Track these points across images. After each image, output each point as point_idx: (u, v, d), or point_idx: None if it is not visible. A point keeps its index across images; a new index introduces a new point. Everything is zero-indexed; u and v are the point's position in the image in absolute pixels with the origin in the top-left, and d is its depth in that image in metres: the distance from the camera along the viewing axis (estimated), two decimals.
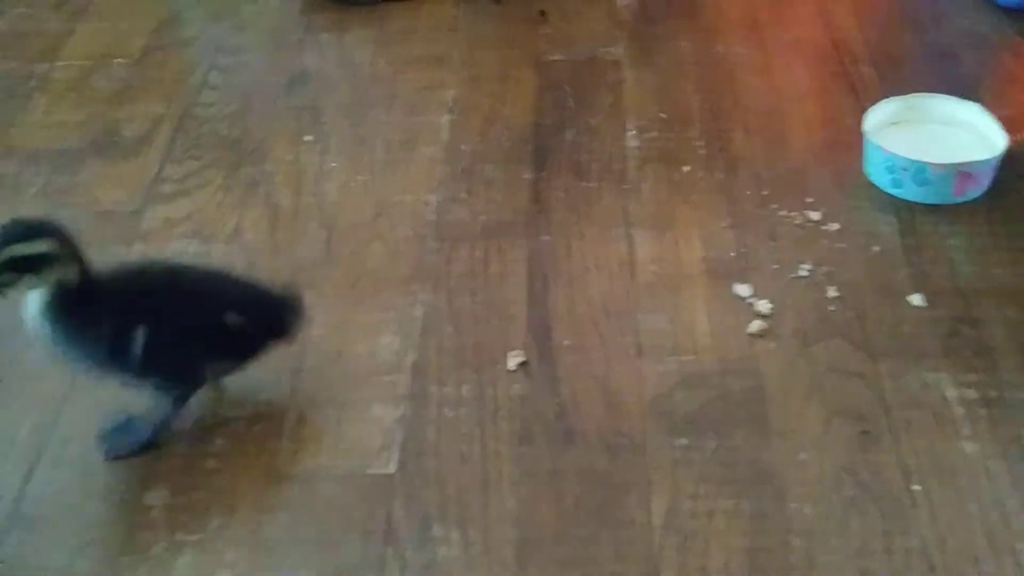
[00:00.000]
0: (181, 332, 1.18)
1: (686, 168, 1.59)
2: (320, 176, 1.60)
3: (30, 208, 1.56)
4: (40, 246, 1.10)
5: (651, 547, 1.12)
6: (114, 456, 1.22)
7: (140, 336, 1.15)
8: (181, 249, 1.48)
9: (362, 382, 1.30)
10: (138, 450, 1.22)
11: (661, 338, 1.34)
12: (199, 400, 1.26)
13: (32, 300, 1.13)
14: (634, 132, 1.66)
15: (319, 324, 1.36)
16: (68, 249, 1.13)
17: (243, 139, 1.68)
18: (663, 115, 1.69)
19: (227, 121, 1.72)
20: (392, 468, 1.21)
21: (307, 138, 1.67)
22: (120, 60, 1.86)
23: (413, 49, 1.86)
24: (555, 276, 1.43)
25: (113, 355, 1.16)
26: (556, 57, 1.82)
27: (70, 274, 1.13)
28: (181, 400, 1.23)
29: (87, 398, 1.28)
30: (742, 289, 1.39)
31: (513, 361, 1.31)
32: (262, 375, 1.30)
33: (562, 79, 1.77)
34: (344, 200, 1.56)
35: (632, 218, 1.51)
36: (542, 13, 1.92)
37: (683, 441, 1.22)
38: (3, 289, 1.10)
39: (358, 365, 1.32)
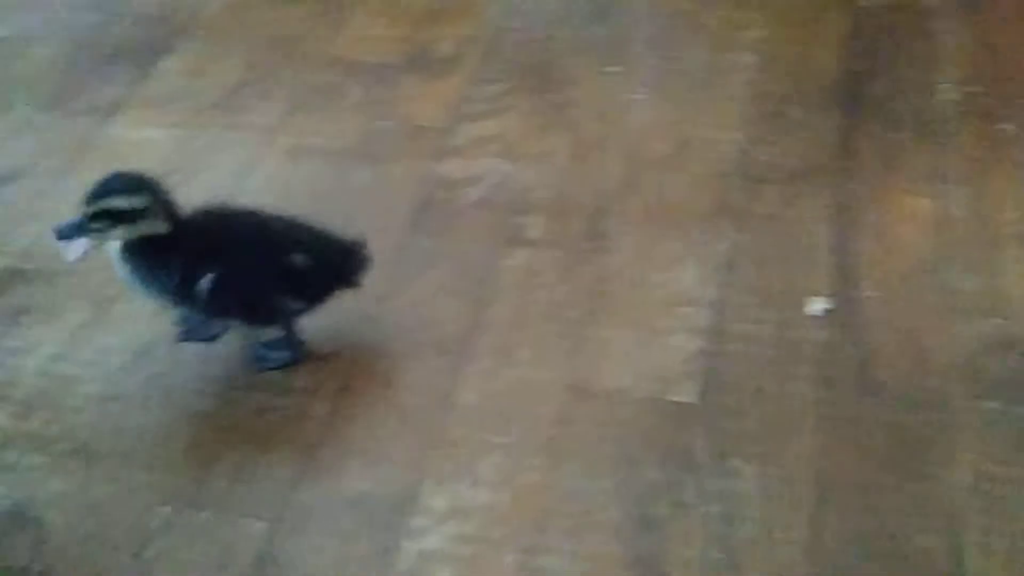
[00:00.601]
0: (247, 272, 1.23)
1: (1006, 126, 1.52)
2: (624, 106, 1.62)
3: (350, 117, 1.65)
4: (135, 200, 1.17)
5: (954, 506, 1.10)
6: (267, 368, 1.29)
7: (206, 281, 1.21)
8: (490, 168, 1.53)
9: (663, 311, 1.32)
10: (286, 365, 1.29)
11: (972, 299, 1.30)
12: (502, 313, 1.32)
13: (114, 243, 1.21)
14: (949, 85, 1.60)
15: (622, 250, 1.39)
16: (160, 205, 1.19)
17: (550, 65, 1.71)
18: (983, 69, 1.62)
19: (534, 46, 1.76)
20: (692, 397, 1.22)
21: (611, 68, 1.69)
22: None
23: None
24: (862, 226, 1.41)
25: (188, 295, 1.23)
26: (868, 2, 1.77)
27: (159, 227, 1.19)
28: (289, 328, 1.29)
29: (399, 293, 1.35)
30: None
31: (817, 306, 1.30)
32: (563, 293, 1.34)
33: (874, 26, 1.73)
34: (648, 131, 1.57)
35: (945, 174, 1.46)
36: None
37: (992, 405, 1.19)
38: (95, 235, 1.18)
39: (659, 294, 1.34)
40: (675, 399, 1.22)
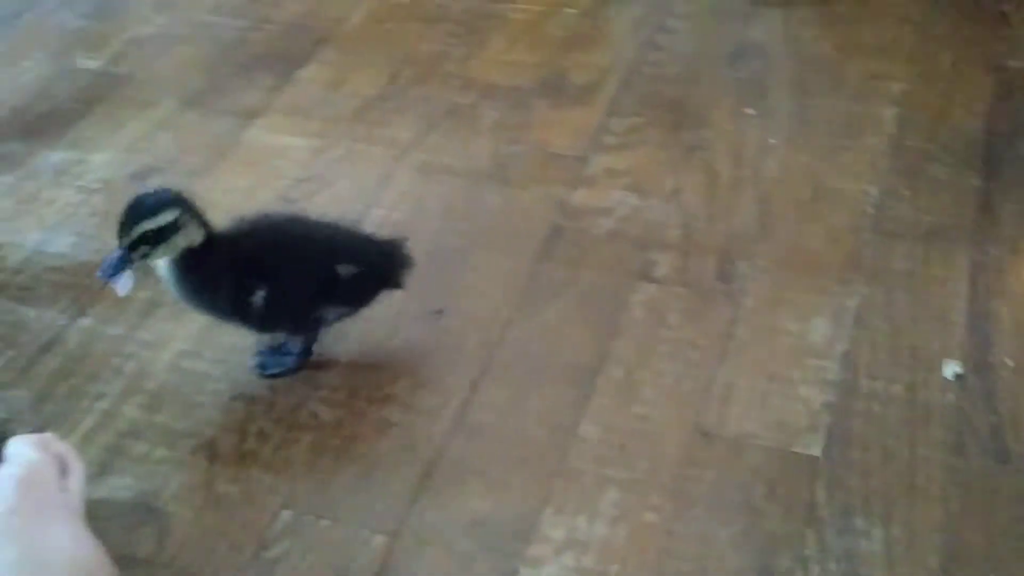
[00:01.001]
0: (297, 285, 1.25)
1: None
2: (760, 150, 1.61)
3: (483, 139, 1.66)
4: (166, 217, 1.18)
5: None
6: (267, 375, 1.32)
7: (259, 296, 1.23)
8: (620, 200, 1.53)
9: (792, 360, 1.31)
10: (286, 372, 1.32)
11: None
12: (628, 348, 1.32)
13: (161, 263, 1.22)
14: None
15: (751, 295, 1.38)
16: (190, 215, 1.20)
17: (685, 102, 1.71)
18: None
19: (670, 83, 1.76)
20: (817, 451, 1.21)
21: (749, 111, 1.69)
22: (571, 9, 1.94)
23: (861, 35, 1.83)
24: (1000, 290, 1.38)
25: (235, 311, 1.25)
26: (1016, 63, 1.74)
27: (195, 236, 1.20)
28: (314, 334, 1.32)
29: (525, 320, 1.36)
30: None
31: (949, 369, 1.28)
32: (690, 333, 1.34)
33: (1021, 88, 1.70)
34: (783, 177, 1.56)
35: None
36: (1003, 15, 1.84)
37: None
38: (141, 260, 1.19)
39: (788, 343, 1.33)
40: (801, 451, 1.21)
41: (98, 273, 1.18)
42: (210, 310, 1.27)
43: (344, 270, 1.27)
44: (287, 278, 1.25)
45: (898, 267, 1.41)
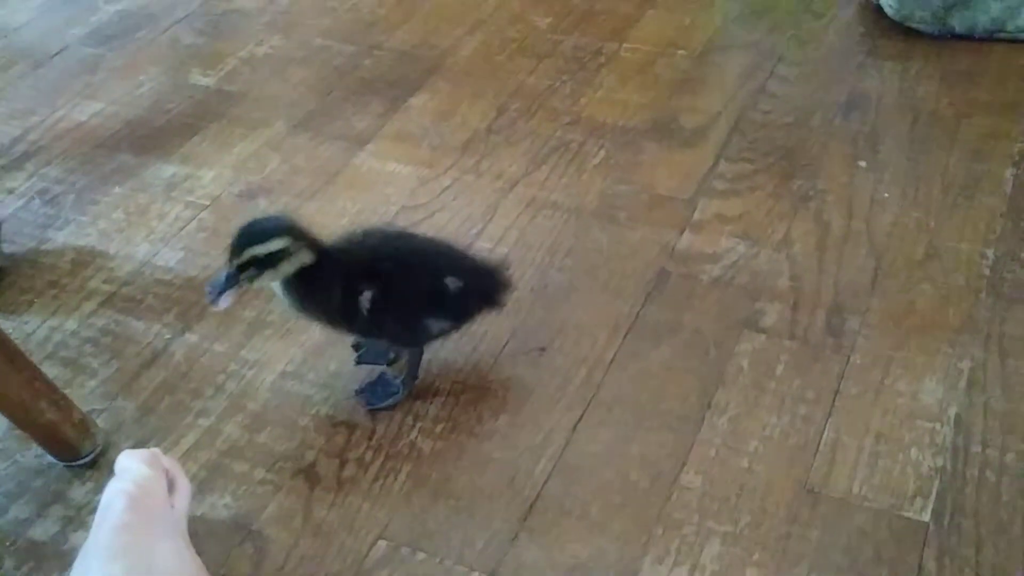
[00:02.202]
0: (404, 290, 1.26)
1: None
2: (873, 204, 1.58)
3: (591, 178, 1.65)
4: (275, 244, 1.18)
5: None
6: (373, 408, 1.33)
7: (366, 300, 1.24)
8: (729, 247, 1.52)
9: (901, 422, 1.28)
10: (393, 404, 1.33)
11: None
12: (733, 398, 1.30)
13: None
14: None
15: (861, 352, 1.36)
16: (301, 242, 1.21)
17: (797, 151, 1.69)
18: None
19: (783, 131, 1.73)
20: (926, 516, 1.18)
21: (861, 163, 1.66)
22: (682, 52, 1.93)
23: (980, 93, 1.79)
24: None
25: (344, 316, 1.26)
26: None
27: (305, 259, 1.21)
28: (417, 357, 1.34)
29: (628, 363, 1.35)
30: None
31: None
32: (797, 387, 1.31)
33: None
34: (896, 233, 1.53)
35: None
36: None
37: None
38: (247, 283, 1.19)
39: (898, 403, 1.30)
40: (909, 515, 1.17)
41: (207, 293, 1.19)
42: (319, 315, 1.28)
43: (451, 283, 1.28)
44: (395, 282, 1.26)
45: (1014, 332, 1.37)
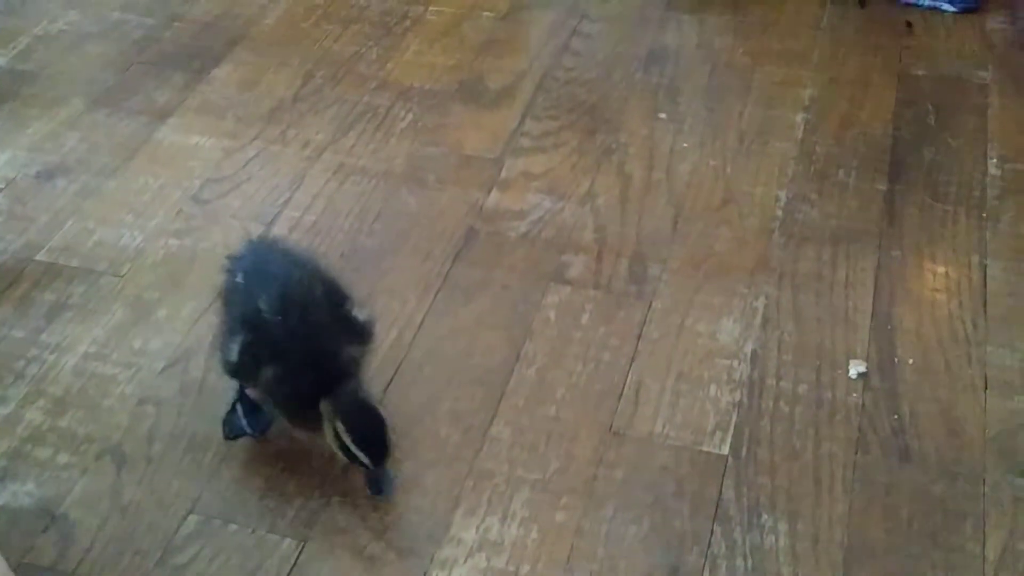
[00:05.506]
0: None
1: None
2: (672, 154, 1.63)
3: (399, 141, 1.66)
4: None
5: None
6: (228, 436, 1.25)
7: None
8: (535, 203, 1.54)
9: (700, 360, 1.33)
10: (235, 437, 1.25)
11: (1010, 374, 1.31)
12: (540, 350, 1.32)
13: None
14: (996, 160, 1.61)
15: (662, 297, 1.40)
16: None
17: (600, 106, 1.72)
18: None
19: (586, 87, 1.77)
20: (725, 449, 1.23)
21: (661, 115, 1.70)
22: (488, 13, 1.94)
23: (772, 43, 1.86)
24: (903, 293, 1.41)
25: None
26: (919, 71, 1.78)
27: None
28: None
29: (438, 322, 1.36)
30: None
31: (854, 369, 1.31)
32: (601, 335, 1.35)
33: (924, 95, 1.74)
34: (695, 182, 1.58)
35: (988, 248, 1.47)
36: (908, 24, 1.88)
37: None
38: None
39: (698, 343, 1.35)
40: (709, 450, 1.22)
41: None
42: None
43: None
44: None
45: (805, 269, 1.44)
